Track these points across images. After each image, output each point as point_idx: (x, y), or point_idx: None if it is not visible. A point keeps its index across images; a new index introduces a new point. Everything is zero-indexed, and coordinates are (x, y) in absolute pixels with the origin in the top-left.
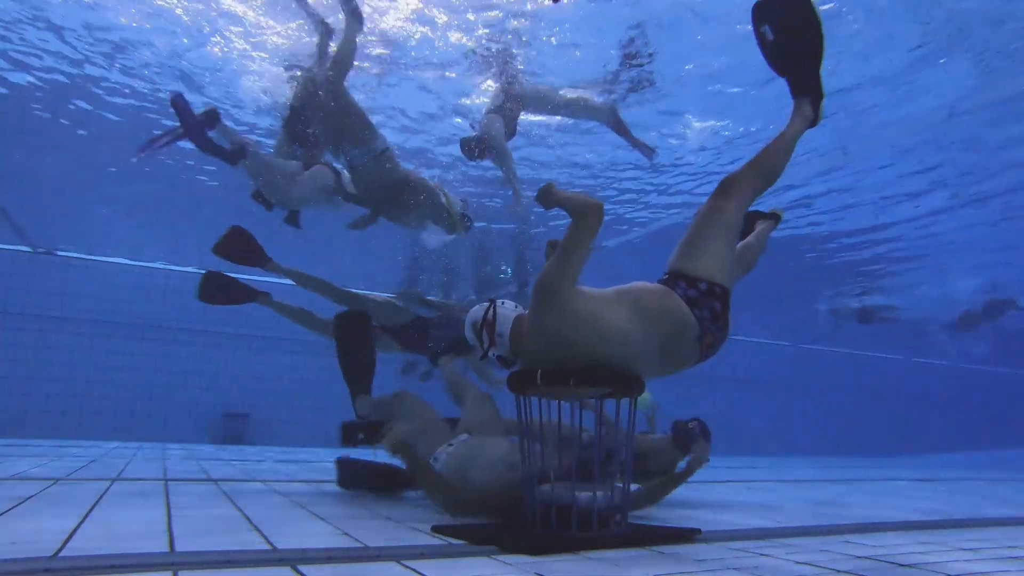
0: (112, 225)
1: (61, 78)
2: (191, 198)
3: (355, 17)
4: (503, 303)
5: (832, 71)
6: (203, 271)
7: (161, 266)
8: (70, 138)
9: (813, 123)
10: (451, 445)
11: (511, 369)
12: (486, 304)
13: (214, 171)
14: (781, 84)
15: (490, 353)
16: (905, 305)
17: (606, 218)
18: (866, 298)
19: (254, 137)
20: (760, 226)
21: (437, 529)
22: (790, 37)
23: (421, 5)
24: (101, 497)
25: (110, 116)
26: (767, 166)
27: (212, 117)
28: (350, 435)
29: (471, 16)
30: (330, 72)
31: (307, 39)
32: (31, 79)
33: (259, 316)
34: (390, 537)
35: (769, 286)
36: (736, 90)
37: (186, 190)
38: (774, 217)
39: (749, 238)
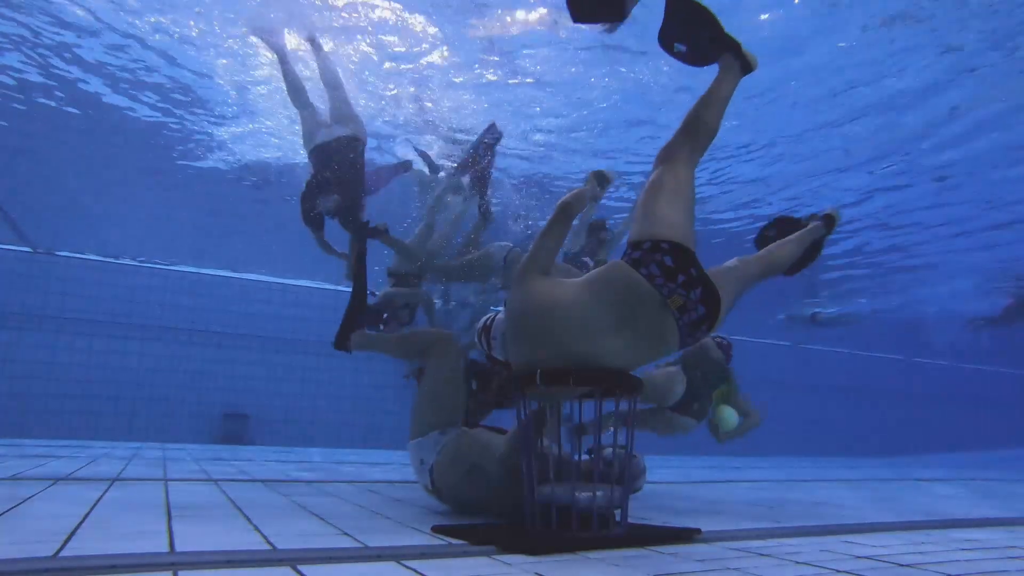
0: (113, 225)
1: (70, 75)
2: (192, 200)
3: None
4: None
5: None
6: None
7: (161, 266)
8: (73, 138)
9: (746, 68)
10: (444, 433)
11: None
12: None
13: (213, 173)
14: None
15: (494, 354)
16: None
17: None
18: (820, 305)
19: None
20: (810, 224)
21: (437, 529)
22: (692, 31)
23: None
24: (101, 497)
25: (114, 118)
26: (698, 123)
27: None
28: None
29: None
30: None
31: None
32: (40, 76)
33: (259, 316)
34: (390, 537)
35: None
36: None
37: (187, 192)
38: (827, 219)
39: (788, 238)
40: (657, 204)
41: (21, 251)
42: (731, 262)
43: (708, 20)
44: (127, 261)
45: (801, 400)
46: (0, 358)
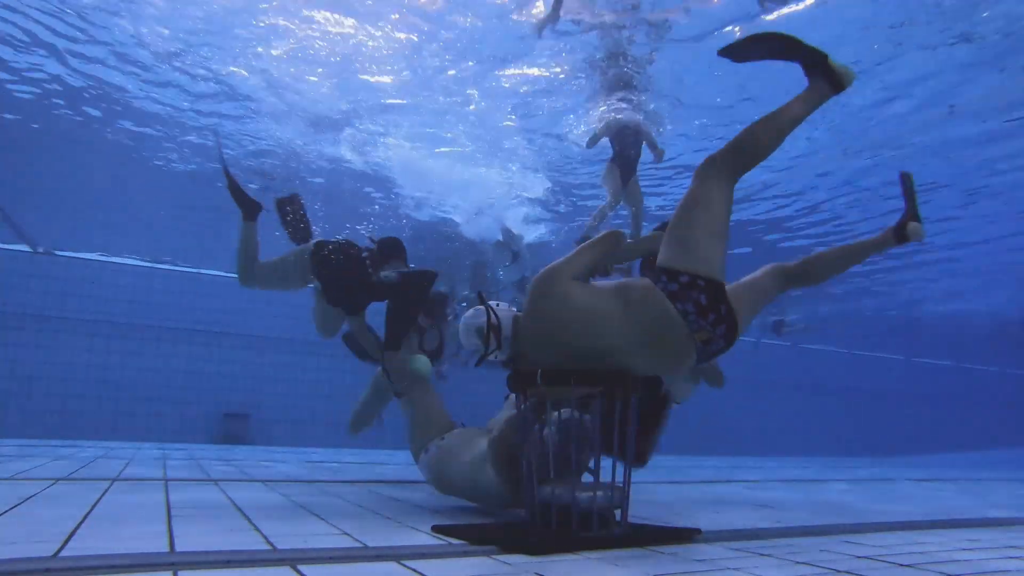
0: (113, 225)
1: (77, 81)
2: (192, 200)
3: None
4: (497, 304)
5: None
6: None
7: (161, 266)
8: (75, 139)
9: (838, 86)
10: (443, 439)
11: (509, 370)
12: (479, 308)
13: (214, 174)
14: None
15: (496, 356)
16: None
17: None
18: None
19: None
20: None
21: (437, 529)
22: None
23: None
24: (101, 497)
25: (121, 121)
26: (749, 141)
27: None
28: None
29: None
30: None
31: None
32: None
33: (259, 316)
34: (390, 537)
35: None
36: None
37: (187, 192)
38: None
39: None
40: (694, 231)
41: (21, 251)
42: (761, 275)
43: (791, 44)
44: (127, 261)
45: (801, 400)
46: (0, 358)
